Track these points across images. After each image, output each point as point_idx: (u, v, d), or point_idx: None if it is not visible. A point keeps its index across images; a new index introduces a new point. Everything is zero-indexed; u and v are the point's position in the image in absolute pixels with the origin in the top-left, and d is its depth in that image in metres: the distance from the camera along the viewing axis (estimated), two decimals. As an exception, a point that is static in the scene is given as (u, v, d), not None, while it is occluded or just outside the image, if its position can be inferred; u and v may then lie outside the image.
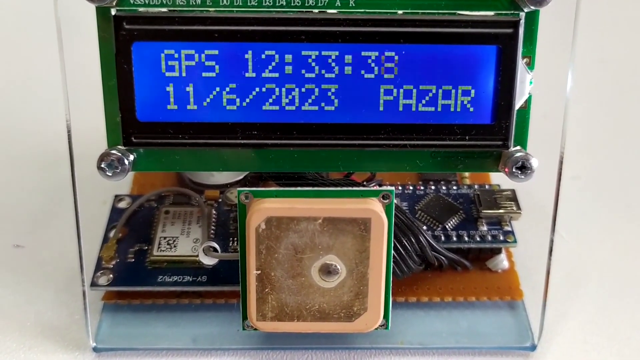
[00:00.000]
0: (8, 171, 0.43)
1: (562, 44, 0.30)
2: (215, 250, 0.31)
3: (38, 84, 0.50)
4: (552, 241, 0.31)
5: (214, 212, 0.35)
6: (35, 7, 0.55)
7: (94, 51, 0.30)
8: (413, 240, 0.31)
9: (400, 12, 0.27)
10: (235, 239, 0.34)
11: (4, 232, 0.39)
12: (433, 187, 0.36)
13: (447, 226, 0.34)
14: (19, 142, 0.45)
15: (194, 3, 0.27)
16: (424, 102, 0.28)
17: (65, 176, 0.42)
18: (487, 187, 0.36)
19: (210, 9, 0.27)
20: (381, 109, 0.28)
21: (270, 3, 0.27)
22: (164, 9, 0.27)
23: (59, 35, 0.28)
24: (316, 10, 0.27)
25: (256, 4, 0.27)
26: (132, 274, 0.32)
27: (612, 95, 0.50)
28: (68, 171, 0.41)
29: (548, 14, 0.29)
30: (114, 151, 0.28)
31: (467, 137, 0.28)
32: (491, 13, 0.27)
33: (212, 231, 0.34)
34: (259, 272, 0.28)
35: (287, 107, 0.28)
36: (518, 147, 0.29)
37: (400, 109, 0.28)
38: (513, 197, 0.35)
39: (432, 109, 0.28)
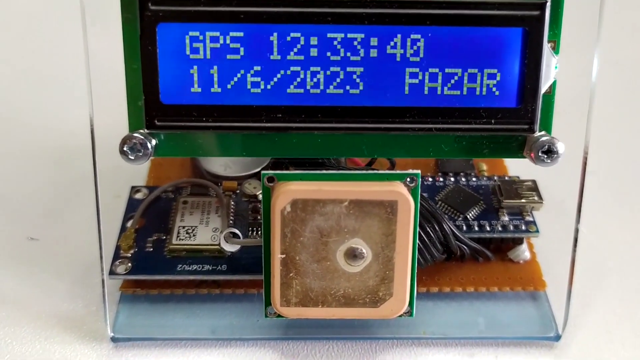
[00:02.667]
0: (21, 166, 0.43)
1: (585, 33, 0.30)
2: (236, 236, 0.30)
3: (54, 80, 0.50)
4: (577, 230, 0.31)
5: (232, 202, 0.35)
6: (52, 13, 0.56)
7: (110, 47, 0.30)
8: (437, 228, 0.31)
9: (425, -6, 0.27)
10: (255, 229, 0.34)
11: (19, 225, 0.38)
12: (452, 179, 0.36)
13: (468, 216, 0.34)
14: (32, 136, 0.45)
15: (219, -14, 0.27)
16: (449, 85, 0.28)
17: (77, 170, 0.42)
18: (506, 178, 0.36)
19: (235, -9, 0.27)
20: (406, 92, 0.28)
21: (295, -14, 0.27)
22: (190, -9, 0.27)
23: (84, 30, 0.28)
24: (341, -8, 0.27)
25: (281, -14, 0.27)
26: (151, 263, 0.32)
27: (628, 92, 0.50)
28: (80, 166, 0.41)
29: (571, 6, 0.29)
30: (136, 134, 0.28)
31: (492, 121, 0.28)
32: (517, -5, 0.27)
33: (230, 222, 0.34)
34: (284, 256, 0.27)
35: (311, 90, 0.28)
36: (543, 132, 0.29)
37: (426, 92, 0.28)
38: (534, 187, 0.35)
39: (458, 92, 0.28)
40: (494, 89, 0.28)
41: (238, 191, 0.36)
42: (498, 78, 0.28)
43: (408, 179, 0.28)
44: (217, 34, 0.27)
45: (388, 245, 0.27)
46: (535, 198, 0.34)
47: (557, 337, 0.32)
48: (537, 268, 0.34)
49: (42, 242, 0.37)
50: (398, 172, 0.28)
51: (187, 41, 0.27)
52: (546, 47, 0.27)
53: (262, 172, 0.28)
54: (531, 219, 0.34)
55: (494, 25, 0.27)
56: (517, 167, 0.38)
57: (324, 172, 0.28)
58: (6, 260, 0.36)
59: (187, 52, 0.27)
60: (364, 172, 0.28)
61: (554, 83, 0.29)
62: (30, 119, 0.46)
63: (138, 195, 0.36)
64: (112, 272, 0.32)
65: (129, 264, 0.32)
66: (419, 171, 0.28)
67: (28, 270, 0.36)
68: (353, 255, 0.27)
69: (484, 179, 0.36)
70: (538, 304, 0.33)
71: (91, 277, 0.34)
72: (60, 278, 0.35)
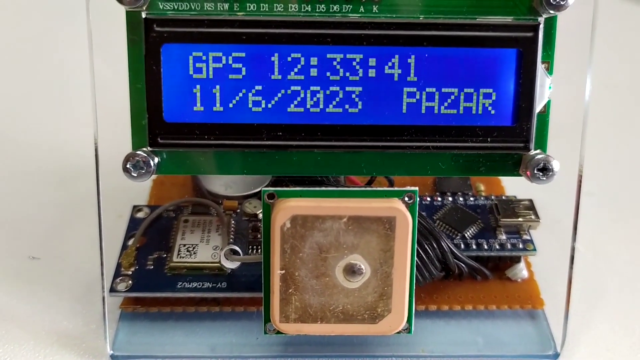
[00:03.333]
0: (23, 185, 0.43)
1: (579, 56, 0.31)
2: (236, 253, 0.30)
3: (58, 100, 0.50)
4: (573, 249, 0.31)
5: (233, 221, 0.35)
6: (53, 38, 0.57)
7: (115, 68, 0.31)
8: (435, 245, 0.31)
9: (422, 17, 0.28)
10: (255, 247, 0.34)
11: (20, 245, 0.38)
12: (450, 199, 0.37)
13: (466, 235, 0.34)
14: (36, 156, 0.45)
15: (222, 9, 0.28)
16: (446, 104, 0.28)
17: (80, 191, 0.42)
18: (503, 197, 0.37)
19: (237, 14, 0.28)
20: (404, 111, 0.28)
21: (295, 9, 0.28)
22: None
23: (90, 51, 0.29)
24: (340, 15, 0.28)
25: (282, 9, 0.28)
26: (151, 280, 0.32)
27: (625, 114, 0.51)
28: (83, 186, 0.42)
29: (564, 30, 0.30)
30: (139, 152, 0.29)
31: (488, 139, 0.29)
32: (511, 18, 0.28)
33: (231, 240, 0.34)
34: (283, 271, 0.28)
35: (311, 109, 0.28)
36: (539, 150, 0.29)
37: (423, 111, 0.28)
38: (531, 206, 0.35)
39: (454, 111, 0.28)
40: (489, 108, 0.28)
41: (238, 210, 0.36)
42: (493, 97, 0.28)
43: (406, 196, 0.28)
44: (220, 54, 0.28)
45: (386, 261, 0.28)
46: (532, 217, 0.34)
47: (556, 355, 0.32)
48: (535, 286, 0.34)
49: (43, 261, 0.38)
50: (396, 189, 0.28)
51: (191, 61, 0.28)
52: (540, 67, 0.28)
53: (263, 189, 0.28)
54: (528, 237, 0.34)
55: (489, 47, 0.28)
56: (515, 188, 0.39)
57: (324, 189, 0.28)
58: (8, 279, 0.36)
59: (191, 72, 0.28)
60: (363, 189, 0.28)
61: (549, 102, 0.29)
62: (34, 139, 0.47)
63: (140, 215, 0.36)
64: (112, 290, 0.32)
65: (130, 282, 0.32)
66: (416, 188, 0.28)
67: (29, 288, 0.36)
68: (352, 271, 0.28)
69: (482, 198, 0.37)
70: (536, 322, 0.33)
71: (92, 295, 0.35)
72: (61, 296, 0.35)
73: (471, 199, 0.37)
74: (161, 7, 0.28)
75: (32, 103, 0.51)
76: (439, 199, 0.37)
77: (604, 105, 0.52)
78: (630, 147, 0.48)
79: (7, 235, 0.39)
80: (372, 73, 0.28)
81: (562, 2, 0.27)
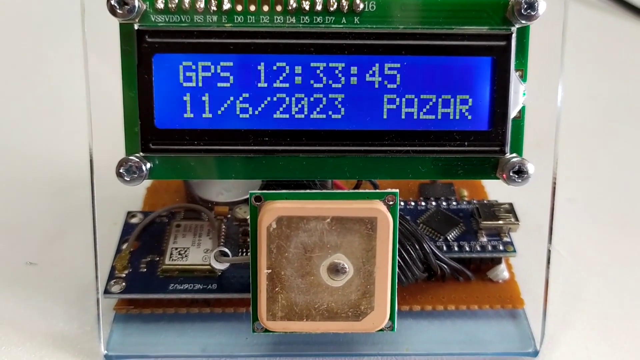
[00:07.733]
0: (21, 194, 0.44)
1: (553, 65, 0.33)
2: (225, 254, 0.32)
3: (52, 114, 0.52)
4: (549, 251, 0.33)
5: (224, 226, 0.36)
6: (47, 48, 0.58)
7: (109, 80, 0.32)
8: (417, 247, 0.33)
9: (401, 27, 0.29)
10: (244, 250, 0.35)
11: (18, 251, 0.40)
12: (434, 203, 0.38)
13: (448, 237, 0.35)
14: (33, 166, 0.47)
15: (211, 20, 0.29)
16: (425, 110, 0.30)
17: (76, 199, 0.43)
18: (485, 201, 0.38)
19: (225, 25, 0.29)
20: (385, 116, 0.30)
21: (280, 20, 0.29)
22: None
23: (85, 63, 0.30)
24: (323, 26, 0.29)
25: (268, 21, 0.29)
26: (144, 282, 0.33)
27: (604, 123, 0.53)
28: (79, 195, 0.43)
29: (545, 41, 0.31)
30: (132, 157, 0.30)
31: (466, 143, 0.30)
32: (485, 28, 0.29)
33: (221, 243, 0.35)
34: (270, 271, 0.29)
35: (296, 116, 0.30)
36: (514, 154, 0.31)
37: (403, 117, 0.30)
38: (511, 210, 0.36)
39: (433, 117, 0.30)
40: (466, 114, 0.30)
41: (229, 215, 0.37)
42: (470, 103, 0.30)
43: (387, 198, 0.29)
44: (209, 63, 0.29)
45: (369, 260, 0.29)
46: (512, 219, 0.36)
47: (535, 353, 0.33)
48: (516, 287, 0.35)
49: (40, 267, 0.39)
50: (378, 191, 0.29)
51: (181, 70, 0.29)
52: (514, 75, 0.30)
53: (250, 192, 0.29)
54: (508, 239, 0.35)
55: (464, 55, 0.29)
56: (497, 194, 0.40)
57: (308, 191, 0.29)
58: (6, 284, 0.37)
59: (181, 81, 0.29)
60: (346, 191, 0.30)
61: (523, 108, 0.31)
62: (32, 150, 0.48)
63: (134, 220, 0.38)
64: (106, 291, 0.33)
65: (123, 284, 0.33)
66: (397, 190, 0.29)
67: (26, 293, 0.37)
68: (335, 270, 0.29)
69: (464, 202, 0.38)
70: (517, 321, 0.34)
71: (87, 299, 0.36)
72: (57, 300, 0.36)
73: (454, 203, 0.38)
74: (153, 19, 0.29)
75: (28, 114, 0.52)
76: (423, 203, 0.38)
77: (586, 114, 0.53)
78: (611, 153, 0.50)
79: (5, 242, 0.40)
80: (353, 81, 0.29)
81: (532, 13, 0.28)
